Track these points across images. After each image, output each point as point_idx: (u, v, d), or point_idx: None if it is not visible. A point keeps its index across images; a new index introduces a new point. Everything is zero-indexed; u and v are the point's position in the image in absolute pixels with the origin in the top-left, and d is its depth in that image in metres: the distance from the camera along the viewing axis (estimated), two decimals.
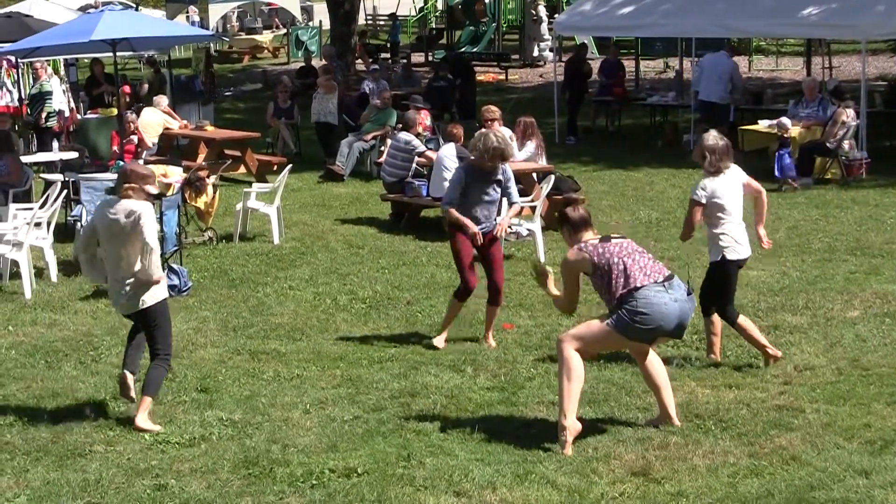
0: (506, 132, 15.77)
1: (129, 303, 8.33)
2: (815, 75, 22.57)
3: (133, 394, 8.43)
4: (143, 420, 8.25)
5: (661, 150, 21.44)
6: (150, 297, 8.28)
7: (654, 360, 7.99)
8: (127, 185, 8.28)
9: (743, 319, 9.41)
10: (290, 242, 14.76)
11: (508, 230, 14.10)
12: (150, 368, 8.39)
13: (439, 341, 10.17)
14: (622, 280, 7.64)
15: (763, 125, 18.83)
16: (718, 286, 9.36)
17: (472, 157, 10.04)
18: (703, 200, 9.15)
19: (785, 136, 17.40)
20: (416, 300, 11.83)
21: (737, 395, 8.64)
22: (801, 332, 10.22)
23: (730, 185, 9.23)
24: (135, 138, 18.13)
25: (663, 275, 7.73)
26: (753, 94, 21.72)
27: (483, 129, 10.72)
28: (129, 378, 8.44)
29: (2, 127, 17.86)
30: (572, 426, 7.62)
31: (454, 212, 10.02)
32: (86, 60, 30.81)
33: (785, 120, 17.67)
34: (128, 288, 8.26)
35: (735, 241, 9.28)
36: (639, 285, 7.59)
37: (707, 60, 20.64)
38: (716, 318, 9.45)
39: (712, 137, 9.26)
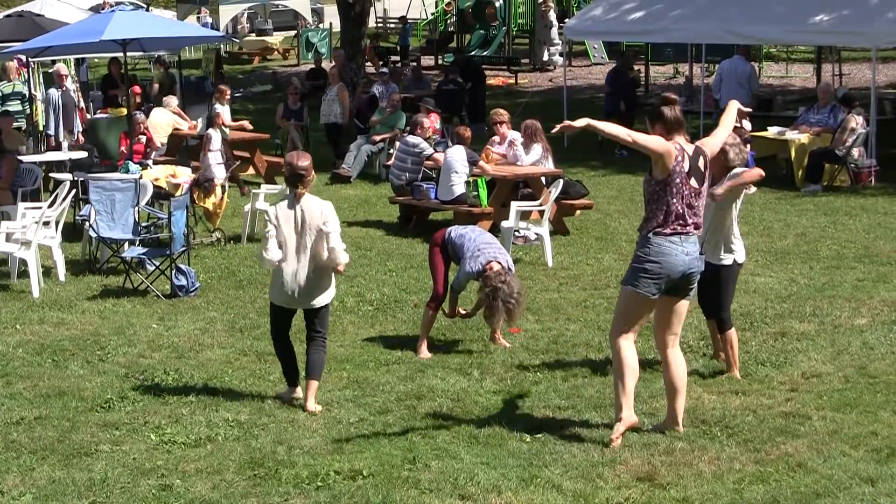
0: (515, 135, 15.79)
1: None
2: (826, 82, 22.50)
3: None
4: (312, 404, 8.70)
5: None
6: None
7: (679, 362, 8.03)
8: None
9: (733, 332, 9.29)
10: None
11: (516, 234, 14.13)
12: (313, 352, 8.81)
13: (424, 352, 10.11)
14: (662, 211, 7.69)
15: (772, 132, 18.80)
16: (726, 289, 9.21)
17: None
18: None
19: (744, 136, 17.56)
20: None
21: (743, 402, 8.62)
22: (809, 339, 10.20)
23: None
24: (143, 138, 18.15)
25: (686, 230, 7.78)
26: (763, 100, 21.64)
27: (491, 279, 9.85)
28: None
29: (9, 129, 17.87)
30: (627, 419, 7.80)
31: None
32: (96, 60, 30.92)
33: (747, 123, 17.86)
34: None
35: (742, 245, 9.27)
36: (658, 231, 7.69)
37: (725, 66, 20.56)
38: (732, 332, 9.24)
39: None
